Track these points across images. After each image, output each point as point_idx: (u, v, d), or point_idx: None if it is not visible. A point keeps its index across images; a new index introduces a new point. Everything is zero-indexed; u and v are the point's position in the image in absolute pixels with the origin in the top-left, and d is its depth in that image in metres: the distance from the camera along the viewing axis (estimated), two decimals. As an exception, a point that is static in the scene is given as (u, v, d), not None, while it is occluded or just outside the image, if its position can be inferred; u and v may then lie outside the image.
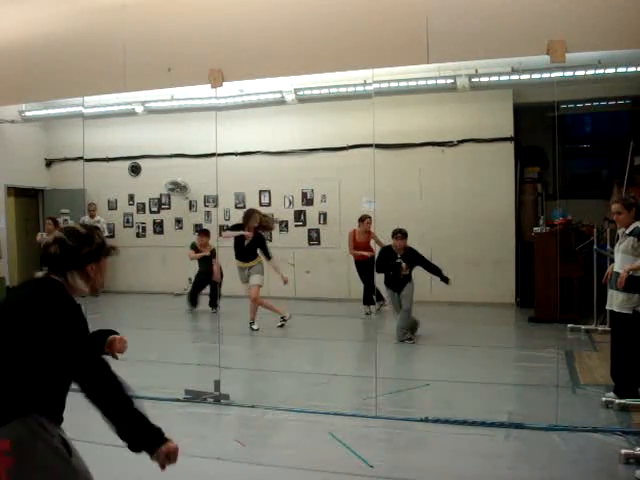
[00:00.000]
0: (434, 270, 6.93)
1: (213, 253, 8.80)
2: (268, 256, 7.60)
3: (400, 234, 6.79)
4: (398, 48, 4.35)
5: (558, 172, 10.01)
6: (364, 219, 8.31)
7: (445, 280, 6.84)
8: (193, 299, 9.18)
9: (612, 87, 8.72)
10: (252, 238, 7.52)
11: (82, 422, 4.33)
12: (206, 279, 8.96)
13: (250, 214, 7.69)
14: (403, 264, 6.78)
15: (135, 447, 1.88)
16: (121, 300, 10.49)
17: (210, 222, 10.53)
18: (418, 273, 7.28)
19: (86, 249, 1.97)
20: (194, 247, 9.11)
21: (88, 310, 8.59)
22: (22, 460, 1.75)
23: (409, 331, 6.83)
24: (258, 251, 7.61)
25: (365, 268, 8.29)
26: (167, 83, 5.03)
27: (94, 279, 2.01)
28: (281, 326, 7.60)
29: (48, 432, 1.83)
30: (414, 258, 6.89)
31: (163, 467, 1.90)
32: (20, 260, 11.37)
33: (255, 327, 7.57)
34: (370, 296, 8.29)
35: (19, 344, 1.80)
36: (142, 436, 1.88)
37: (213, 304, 8.97)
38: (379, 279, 7.44)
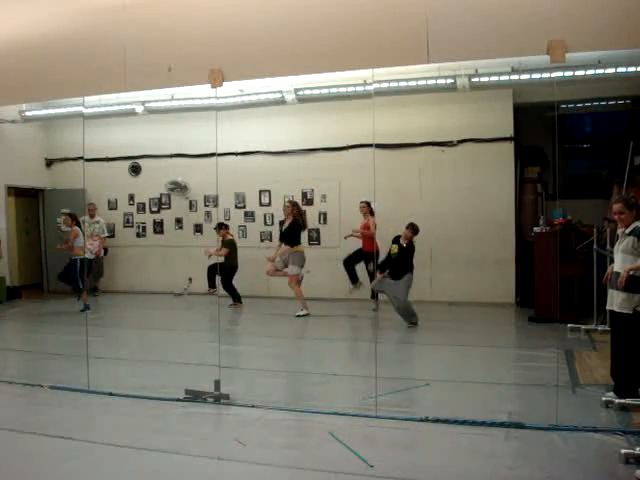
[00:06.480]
0: (401, 270, 7.39)
1: (227, 244, 9.25)
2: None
3: (410, 226, 7.48)
4: (398, 48, 4.35)
5: (558, 172, 10.02)
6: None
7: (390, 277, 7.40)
8: (230, 290, 9.34)
9: (612, 87, 8.72)
10: (288, 224, 8.46)
11: (82, 422, 4.35)
12: (229, 269, 9.23)
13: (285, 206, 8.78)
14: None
15: None
16: (121, 300, 10.49)
17: (210, 222, 10.55)
18: (418, 274, 7.31)
19: None
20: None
21: (89, 310, 8.55)
22: None
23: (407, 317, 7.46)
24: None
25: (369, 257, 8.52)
26: (167, 83, 5.03)
27: None
28: (298, 316, 8.22)
29: None
30: (407, 253, 7.44)
31: None
32: (20, 260, 11.38)
33: (302, 313, 8.20)
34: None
35: None
36: None
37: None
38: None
